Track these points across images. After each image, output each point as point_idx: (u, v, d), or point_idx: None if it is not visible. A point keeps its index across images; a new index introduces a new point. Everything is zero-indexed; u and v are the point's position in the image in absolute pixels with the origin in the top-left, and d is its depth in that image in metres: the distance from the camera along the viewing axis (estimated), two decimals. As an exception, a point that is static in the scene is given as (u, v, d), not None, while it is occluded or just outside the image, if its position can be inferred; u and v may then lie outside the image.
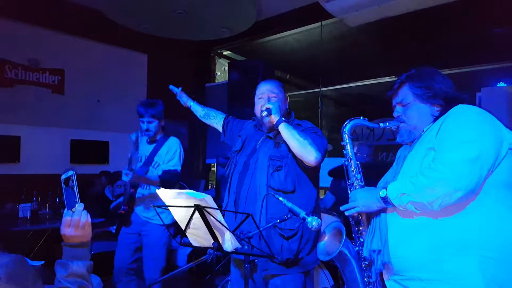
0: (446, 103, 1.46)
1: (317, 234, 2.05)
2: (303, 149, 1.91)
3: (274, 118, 1.99)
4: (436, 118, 1.48)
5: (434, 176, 1.26)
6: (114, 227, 2.98)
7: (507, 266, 1.26)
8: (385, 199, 1.40)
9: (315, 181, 2.12)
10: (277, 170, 2.00)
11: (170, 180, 2.89)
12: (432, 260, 1.33)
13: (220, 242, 1.54)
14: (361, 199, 1.49)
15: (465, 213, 1.30)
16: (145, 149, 3.13)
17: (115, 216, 3.03)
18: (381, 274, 1.54)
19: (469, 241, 1.28)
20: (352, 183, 1.59)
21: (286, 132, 1.95)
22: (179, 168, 2.99)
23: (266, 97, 2.14)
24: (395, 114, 1.58)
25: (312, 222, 1.64)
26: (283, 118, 1.99)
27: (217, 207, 1.47)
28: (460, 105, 1.42)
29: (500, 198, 1.30)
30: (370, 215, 1.54)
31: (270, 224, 1.80)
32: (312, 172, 2.07)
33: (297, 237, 1.97)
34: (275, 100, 2.12)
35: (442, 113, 1.46)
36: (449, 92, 1.47)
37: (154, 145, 3.08)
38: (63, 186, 1.27)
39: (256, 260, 1.94)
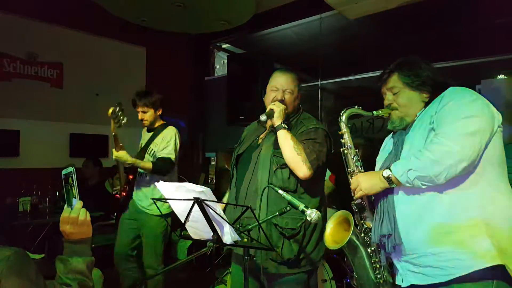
0: (434, 89, 1.55)
1: (320, 232, 2.00)
2: (295, 163, 1.87)
3: (276, 121, 1.94)
4: (426, 104, 1.56)
5: (439, 149, 1.33)
6: (115, 215, 2.99)
7: (509, 232, 1.35)
8: (388, 179, 1.43)
9: (319, 183, 2.07)
10: (281, 168, 1.95)
11: (162, 167, 2.89)
12: (442, 233, 1.38)
13: (220, 234, 1.54)
14: (363, 181, 1.52)
15: (467, 187, 1.38)
16: (145, 137, 3.18)
17: (114, 203, 3.04)
18: (389, 259, 1.59)
19: (474, 212, 1.36)
20: (353, 171, 1.61)
21: (283, 141, 1.90)
22: (173, 156, 2.98)
23: (281, 91, 2.06)
24: (386, 102, 1.65)
25: (311, 214, 1.64)
26: (284, 125, 1.93)
27: (216, 200, 1.47)
28: (452, 87, 1.52)
29: (494, 173, 1.40)
30: (376, 200, 1.57)
31: (270, 217, 1.79)
32: (319, 174, 2.00)
33: (299, 236, 1.93)
34: (288, 96, 2.06)
35: (431, 98, 1.55)
36: (436, 78, 1.56)
37: (152, 133, 3.11)
38: (64, 182, 1.27)
39: (255, 258, 1.91)
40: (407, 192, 1.46)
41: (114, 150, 2.80)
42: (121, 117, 2.77)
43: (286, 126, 1.94)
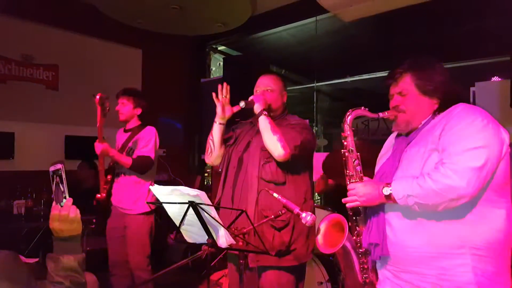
0: (444, 97, 1.48)
1: (311, 227, 2.08)
2: (270, 143, 1.99)
3: (256, 109, 2.08)
4: (434, 112, 1.50)
5: (444, 182, 1.29)
6: (93, 221, 2.95)
7: (495, 261, 1.35)
8: (388, 197, 1.42)
9: (307, 174, 2.16)
10: (268, 162, 2.05)
11: (141, 165, 2.94)
12: (429, 257, 1.38)
13: (215, 238, 1.54)
14: (363, 194, 1.49)
15: (462, 214, 1.35)
16: (121, 137, 3.18)
17: (95, 208, 3.02)
18: (375, 262, 1.59)
19: (464, 241, 1.34)
20: (352, 175, 1.58)
21: (261, 125, 2.04)
22: (152, 155, 3.01)
23: (261, 90, 2.22)
24: (393, 103, 1.56)
25: (307, 217, 1.65)
26: (264, 112, 2.06)
27: (211, 204, 1.47)
28: (463, 105, 1.44)
29: (493, 197, 1.37)
30: (368, 209, 1.57)
31: (265, 220, 1.81)
32: (304, 166, 2.13)
33: (289, 228, 2.00)
34: (269, 94, 2.20)
35: (440, 107, 1.49)
36: (449, 86, 1.48)
37: (129, 133, 3.11)
38: (52, 179, 1.25)
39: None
40: (401, 209, 1.45)
41: (97, 143, 2.83)
42: (106, 105, 2.85)
43: (266, 113, 2.06)
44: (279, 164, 2.03)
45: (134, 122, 3.15)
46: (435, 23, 4.63)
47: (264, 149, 2.05)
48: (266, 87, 2.22)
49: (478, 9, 4.14)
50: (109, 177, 3.00)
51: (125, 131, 3.17)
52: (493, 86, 3.87)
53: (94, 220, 2.92)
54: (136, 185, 2.99)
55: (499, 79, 3.94)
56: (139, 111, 3.13)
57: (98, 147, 2.85)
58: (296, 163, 2.06)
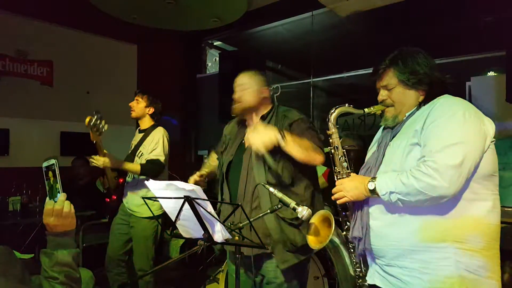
0: (431, 88, 1.48)
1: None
2: (308, 158, 1.84)
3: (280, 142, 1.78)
4: (420, 104, 1.50)
5: (427, 181, 1.29)
6: (107, 217, 2.96)
7: (481, 254, 1.34)
8: (373, 192, 1.43)
9: (311, 176, 2.10)
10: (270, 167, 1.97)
11: (151, 170, 2.86)
12: (411, 250, 1.38)
13: (211, 233, 1.54)
14: (350, 189, 1.51)
15: (445, 208, 1.35)
16: (136, 138, 3.16)
17: (106, 205, 3.02)
18: (365, 256, 1.60)
19: (446, 234, 1.34)
20: (339, 171, 1.60)
21: (290, 151, 1.79)
22: (162, 158, 2.95)
23: (236, 90, 2.13)
24: (380, 98, 1.58)
25: (303, 212, 1.65)
26: (278, 135, 1.76)
27: (207, 198, 1.47)
28: (444, 98, 1.44)
29: (477, 190, 1.36)
30: (353, 203, 1.58)
31: (261, 215, 1.79)
32: (308, 167, 2.03)
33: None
34: (241, 92, 2.09)
35: (426, 97, 1.49)
36: (433, 76, 1.48)
37: (142, 134, 3.09)
38: (45, 174, 1.24)
39: (273, 254, 1.96)
40: (383, 203, 1.46)
41: (98, 157, 2.75)
42: (101, 125, 2.70)
43: (281, 135, 1.78)
44: (285, 165, 1.95)
45: (147, 122, 3.13)
46: (431, 17, 4.63)
47: (268, 153, 1.89)
48: (239, 84, 2.12)
49: (475, 3, 4.14)
50: (121, 180, 2.98)
51: (140, 131, 3.14)
52: (489, 80, 3.87)
53: (107, 217, 2.91)
54: (144, 186, 2.94)
55: (495, 73, 3.95)
56: (151, 110, 3.11)
57: (99, 160, 2.76)
58: (302, 166, 1.95)
